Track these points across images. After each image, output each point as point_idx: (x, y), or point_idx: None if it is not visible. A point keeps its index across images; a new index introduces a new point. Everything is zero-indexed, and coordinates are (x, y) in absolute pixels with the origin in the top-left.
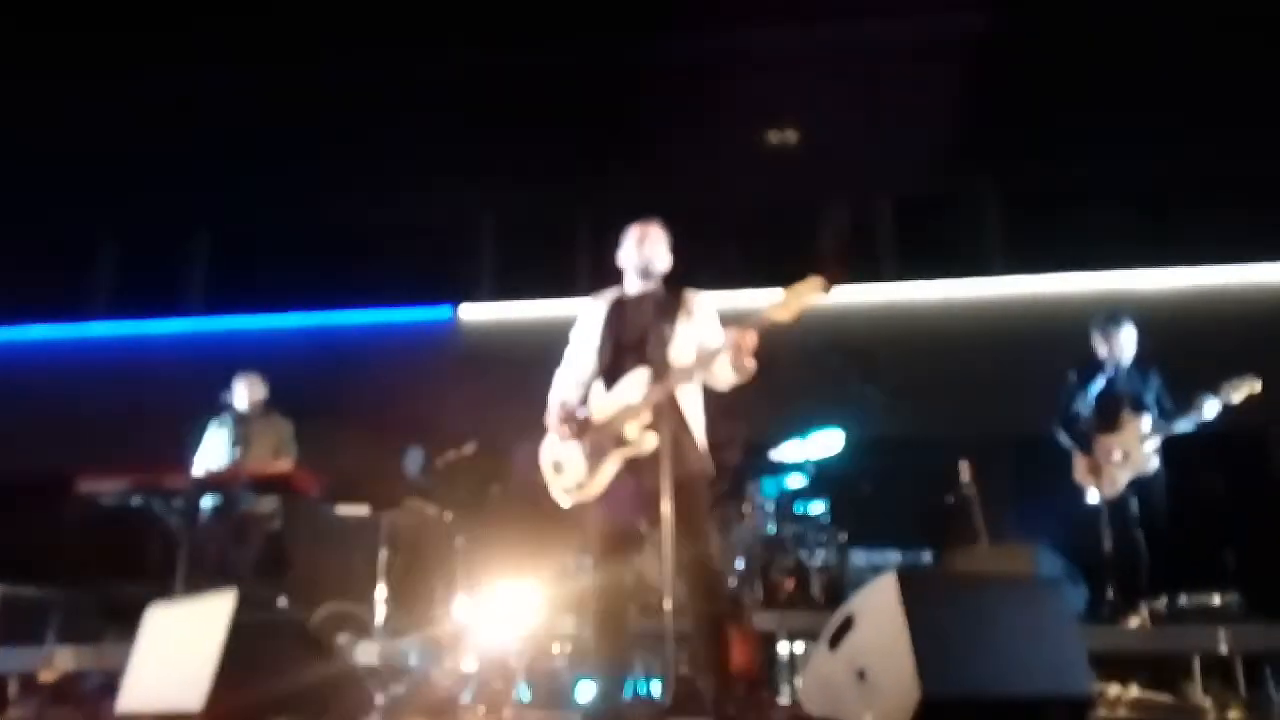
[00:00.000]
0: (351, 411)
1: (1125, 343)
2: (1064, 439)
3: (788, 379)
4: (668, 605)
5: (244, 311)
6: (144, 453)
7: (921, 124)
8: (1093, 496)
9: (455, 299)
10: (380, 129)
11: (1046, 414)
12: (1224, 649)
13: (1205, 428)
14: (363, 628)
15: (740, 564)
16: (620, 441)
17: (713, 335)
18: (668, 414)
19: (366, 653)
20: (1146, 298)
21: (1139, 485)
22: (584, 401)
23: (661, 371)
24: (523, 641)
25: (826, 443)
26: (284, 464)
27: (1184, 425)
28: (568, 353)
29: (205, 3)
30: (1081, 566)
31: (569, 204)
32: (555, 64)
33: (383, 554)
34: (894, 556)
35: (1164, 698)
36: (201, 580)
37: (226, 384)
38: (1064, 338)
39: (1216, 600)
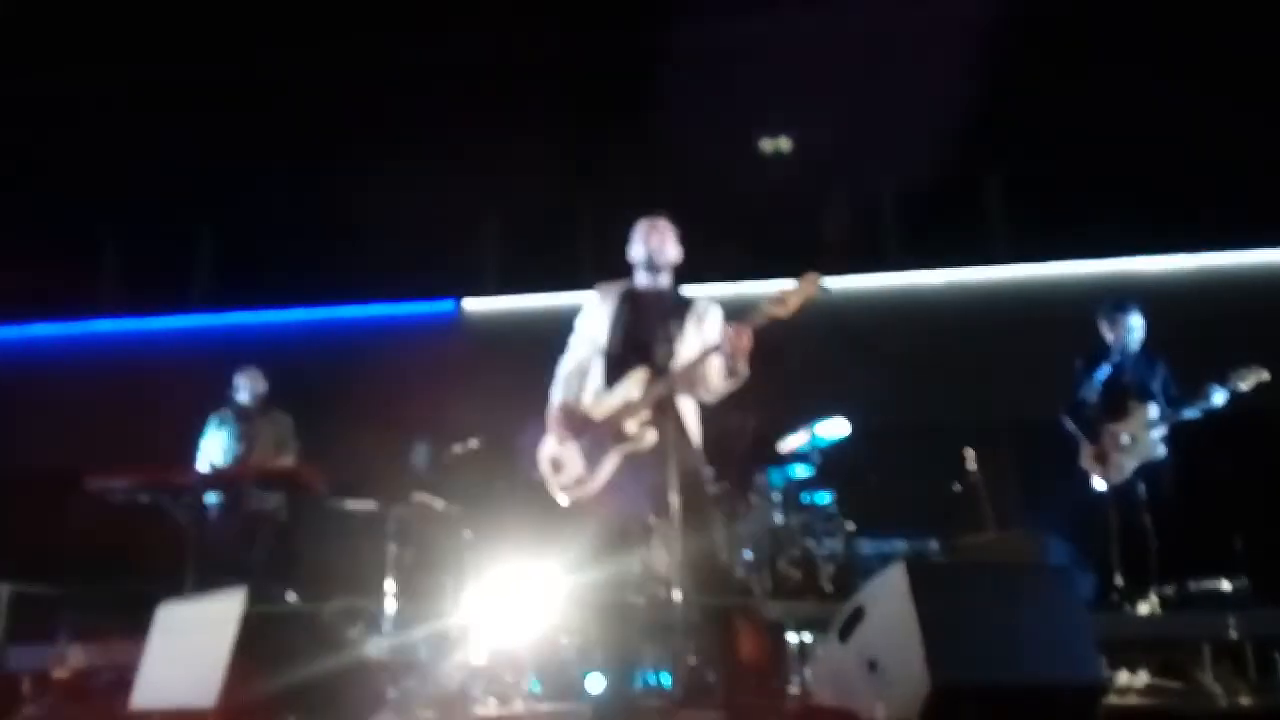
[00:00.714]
0: (357, 406)
1: (1132, 330)
2: (1071, 426)
3: (793, 368)
4: (676, 597)
5: (249, 307)
6: (152, 449)
7: (925, 110)
8: (1099, 483)
9: (459, 292)
10: (384, 123)
11: (1052, 401)
12: (1233, 634)
13: (1213, 414)
14: (372, 622)
15: (748, 555)
16: (620, 437)
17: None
18: (668, 411)
19: (377, 647)
20: (1152, 283)
21: (1146, 471)
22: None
23: (663, 370)
24: (532, 634)
25: (834, 428)
26: (289, 460)
27: (1191, 413)
28: (571, 341)
29: None
30: (1089, 553)
31: (572, 197)
32: (558, 56)
33: (391, 548)
34: (901, 545)
35: (1174, 684)
36: (211, 577)
37: (231, 379)
38: (1069, 324)
39: (1225, 585)
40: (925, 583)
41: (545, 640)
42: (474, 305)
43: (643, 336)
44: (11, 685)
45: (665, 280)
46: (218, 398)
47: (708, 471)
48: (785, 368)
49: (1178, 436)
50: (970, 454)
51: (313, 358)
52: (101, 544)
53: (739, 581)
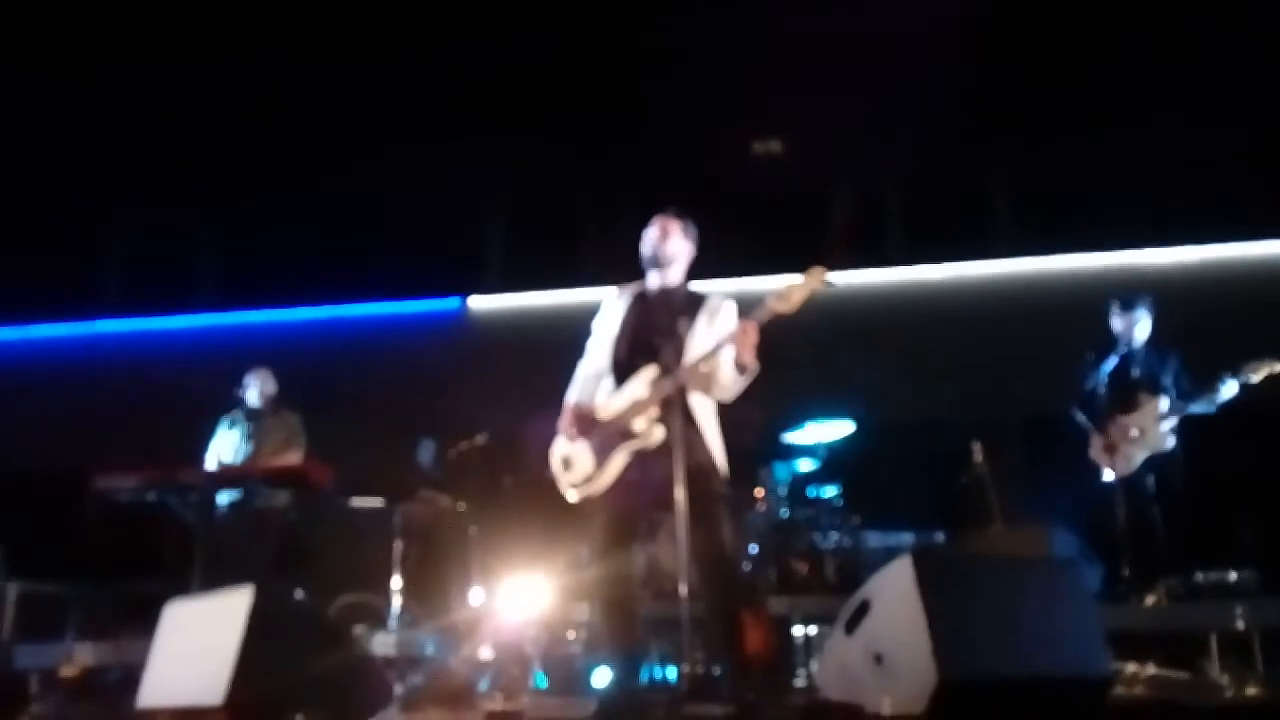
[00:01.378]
0: (363, 404)
1: (1141, 323)
2: (1080, 418)
3: (799, 363)
4: (683, 591)
5: (255, 306)
6: (159, 448)
7: (929, 104)
8: (1108, 475)
9: (465, 290)
10: (388, 121)
11: (1059, 394)
12: (1241, 626)
13: (1224, 406)
14: (379, 618)
15: (754, 549)
16: (628, 435)
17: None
18: (677, 407)
19: (384, 643)
20: (1160, 276)
21: (1155, 463)
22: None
23: (671, 366)
24: (538, 629)
25: (837, 428)
26: (296, 457)
27: (1201, 406)
28: (588, 344)
29: None
30: (1097, 545)
31: (575, 194)
32: (561, 53)
33: (397, 545)
34: (907, 539)
35: (1181, 675)
36: (218, 575)
37: (239, 378)
38: (1075, 317)
39: (1233, 577)
40: (932, 575)
41: (551, 635)
42: (479, 303)
43: (650, 335)
44: (19, 683)
45: (673, 277)
46: (224, 397)
47: (722, 469)
48: (791, 363)
49: (1187, 428)
50: (977, 447)
51: (319, 356)
52: (109, 543)
53: (745, 576)
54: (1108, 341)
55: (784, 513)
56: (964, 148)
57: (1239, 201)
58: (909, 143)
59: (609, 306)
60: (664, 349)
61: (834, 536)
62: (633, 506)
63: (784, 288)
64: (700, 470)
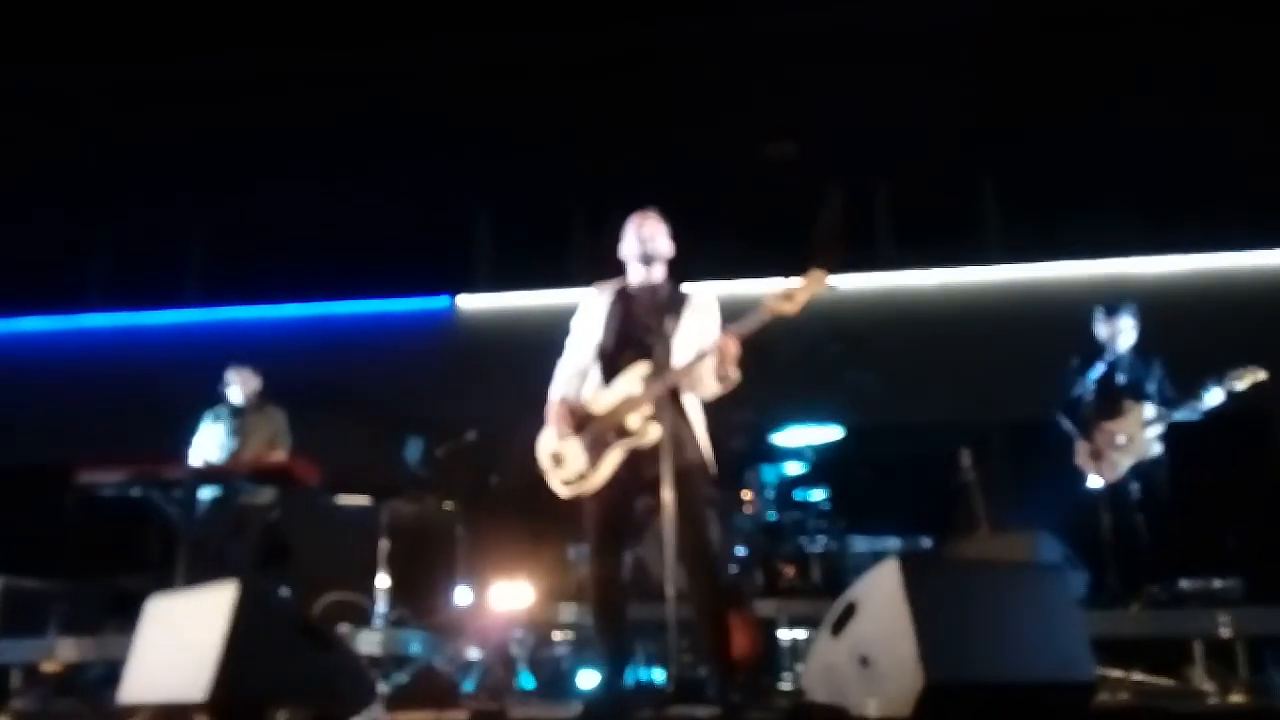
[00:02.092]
0: (351, 402)
1: (1126, 330)
2: (1066, 424)
3: (786, 366)
4: (669, 593)
5: (242, 302)
6: (143, 444)
7: (919, 110)
8: (1094, 481)
9: (453, 289)
10: (376, 119)
11: (1046, 400)
12: (1225, 633)
13: (1209, 414)
14: (364, 617)
15: (741, 551)
16: (623, 433)
17: (712, 335)
18: (668, 406)
19: (369, 641)
20: (1146, 284)
21: (1140, 470)
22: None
23: (662, 365)
24: (524, 630)
25: (825, 432)
26: (281, 454)
27: (1185, 414)
28: (568, 343)
29: None
30: (1082, 551)
31: (565, 194)
32: (550, 53)
33: (383, 544)
34: (894, 543)
35: (1166, 682)
36: (202, 571)
37: (223, 376)
38: (1063, 323)
39: (1218, 584)
40: (918, 579)
41: (537, 636)
42: (468, 302)
43: (636, 332)
44: (1, 678)
45: (658, 274)
46: (210, 393)
47: (711, 468)
48: (779, 366)
49: (1172, 436)
50: (965, 452)
51: (307, 353)
52: (92, 538)
53: (732, 579)
54: (1093, 348)
55: (771, 516)
56: (954, 153)
57: (1225, 211)
58: (898, 148)
59: (589, 304)
60: (653, 345)
61: (821, 540)
62: (624, 506)
63: (787, 289)
64: (690, 470)
